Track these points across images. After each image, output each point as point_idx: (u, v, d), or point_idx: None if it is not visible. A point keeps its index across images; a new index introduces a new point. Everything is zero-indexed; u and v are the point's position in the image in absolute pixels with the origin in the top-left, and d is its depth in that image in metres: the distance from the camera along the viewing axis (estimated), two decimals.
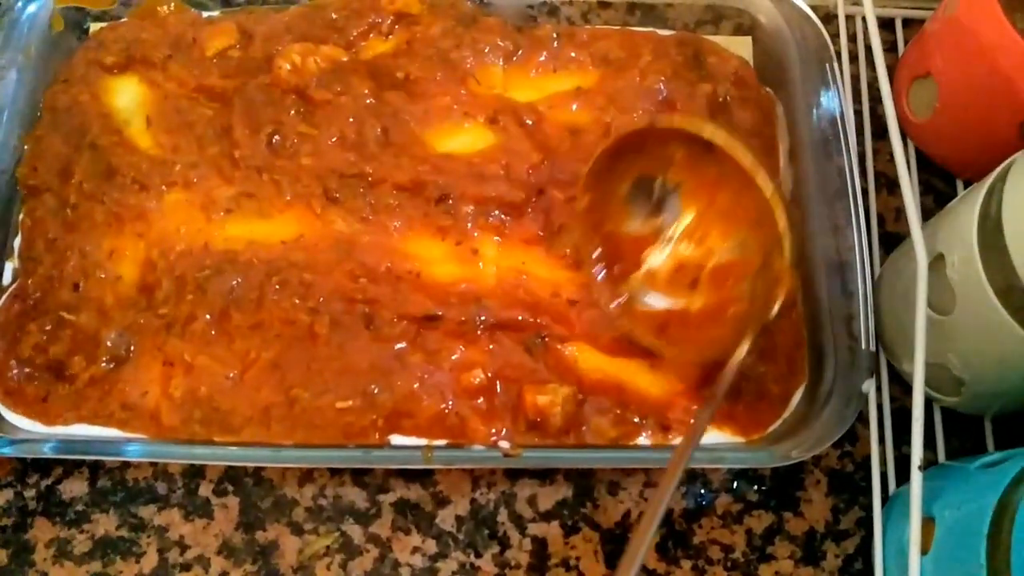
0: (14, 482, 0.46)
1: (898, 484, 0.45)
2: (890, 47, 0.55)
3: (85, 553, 0.44)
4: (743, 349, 0.40)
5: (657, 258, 0.44)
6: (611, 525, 0.45)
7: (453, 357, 0.44)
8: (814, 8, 0.51)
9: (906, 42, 0.55)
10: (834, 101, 0.48)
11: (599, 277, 0.45)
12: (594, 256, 0.45)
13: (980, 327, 0.39)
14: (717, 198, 0.43)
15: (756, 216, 0.41)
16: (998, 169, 0.38)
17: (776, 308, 0.40)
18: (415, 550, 0.44)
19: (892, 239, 0.50)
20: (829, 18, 0.55)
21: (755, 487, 0.46)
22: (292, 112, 0.49)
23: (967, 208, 0.39)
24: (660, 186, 0.44)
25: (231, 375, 0.44)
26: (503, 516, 0.45)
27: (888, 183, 0.53)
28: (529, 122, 0.49)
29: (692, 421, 0.41)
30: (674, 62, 0.51)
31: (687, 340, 0.43)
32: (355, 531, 0.45)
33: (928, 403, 0.45)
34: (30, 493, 0.45)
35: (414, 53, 0.51)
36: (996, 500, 0.35)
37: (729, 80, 0.51)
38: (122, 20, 0.54)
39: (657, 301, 0.44)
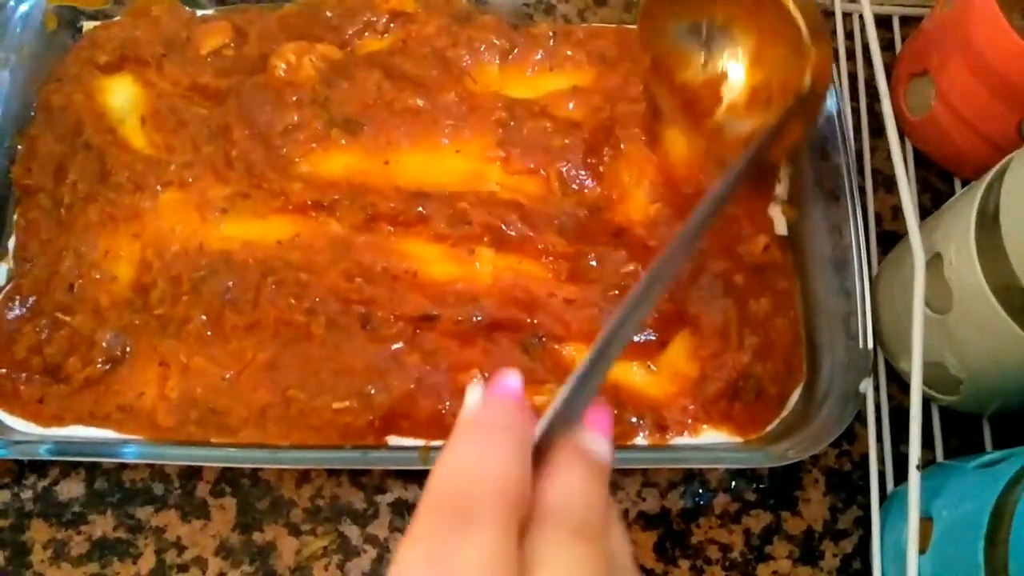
0: (11, 483, 0.45)
1: (896, 483, 0.45)
2: (887, 45, 0.55)
3: (82, 554, 0.44)
4: (777, 113, 0.42)
5: (731, 91, 0.47)
6: None
7: (450, 357, 0.44)
8: None
9: (903, 40, 0.55)
10: (831, 99, 0.48)
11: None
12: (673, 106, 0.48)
13: (978, 326, 0.38)
14: (763, 21, 0.45)
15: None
16: (996, 167, 0.38)
17: (807, 78, 0.42)
18: None
19: (890, 238, 0.50)
20: (826, 16, 0.54)
21: (753, 487, 0.46)
22: (295, 114, 0.49)
23: (964, 206, 0.39)
24: (708, 26, 0.47)
25: (227, 376, 0.44)
26: None
27: (885, 181, 0.52)
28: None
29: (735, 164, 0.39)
30: None
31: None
32: (352, 532, 0.44)
33: (926, 402, 0.45)
34: (27, 494, 0.45)
35: (409, 51, 0.51)
36: (994, 500, 0.35)
37: None
38: (116, 19, 0.53)
39: (742, 127, 0.47)
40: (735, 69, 0.47)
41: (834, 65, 0.49)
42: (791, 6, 0.42)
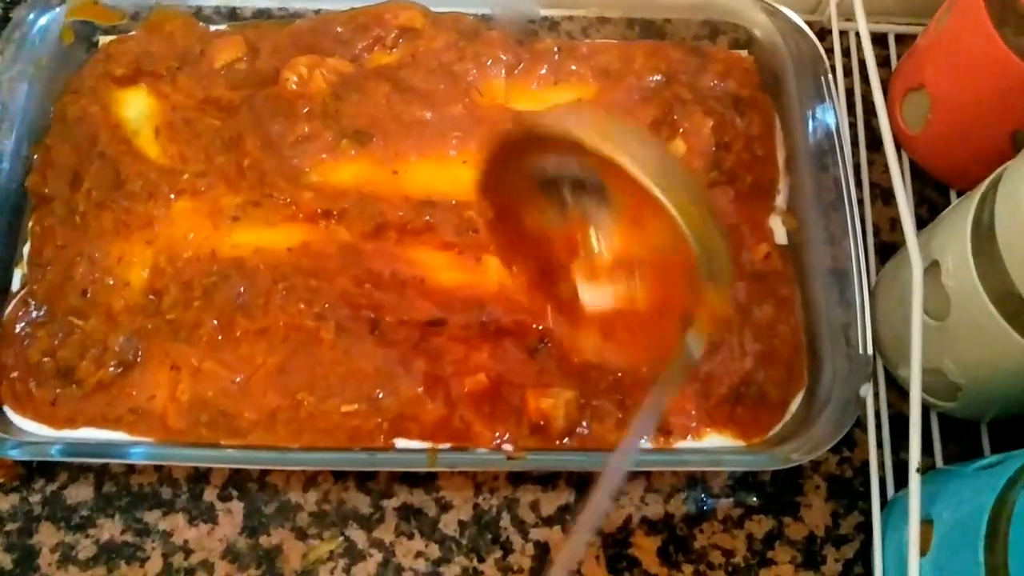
0: (20, 487, 0.46)
1: (896, 489, 0.45)
2: (883, 61, 0.57)
3: (90, 558, 0.44)
4: (669, 374, 0.35)
5: (594, 247, 0.39)
6: (613, 530, 0.45)
7: (457, 362, 0.45)
8: (808, 24, 0.53)
9: (899, 56, 0.56)
10: (829, 114, 0.49)
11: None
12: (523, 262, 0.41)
13: (975, 332, 0.39)
14: (639, 189, 0.33)
15: None
16: (990, 177, 0.39)
17: (696, 334, 0.34)
18: (418, 555, 0.45)
19: (888, 249, 0.51)
20: (823, 33, 0.56)
21: (755, 493, 0.46)
22: (305, 126, 0.50)
23: (961, 215, 0.40)
24: (576, 178, 0.37)
25: (237, 379, 0.45)
26: (506, 521, 0.45)
27: (883, 194, 0.53)
28: None
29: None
30: (669, 58, 0.52)
31: (636, 343, 0.39)
32: (359, 536, 0.45)
33: (925, 409, 0.46)
34: (36, 498, 0.46)
35: (418, 65, 0.52)
36: (993, 500, 0.35)
37: (734, 79, 0.52)
38: (131, 34, 0.55)
39: (603, 295, 0.39)
40: (602, 224, 0.38)
41: (832, 80, 0.50)
42: (684, 230, 0.32)
